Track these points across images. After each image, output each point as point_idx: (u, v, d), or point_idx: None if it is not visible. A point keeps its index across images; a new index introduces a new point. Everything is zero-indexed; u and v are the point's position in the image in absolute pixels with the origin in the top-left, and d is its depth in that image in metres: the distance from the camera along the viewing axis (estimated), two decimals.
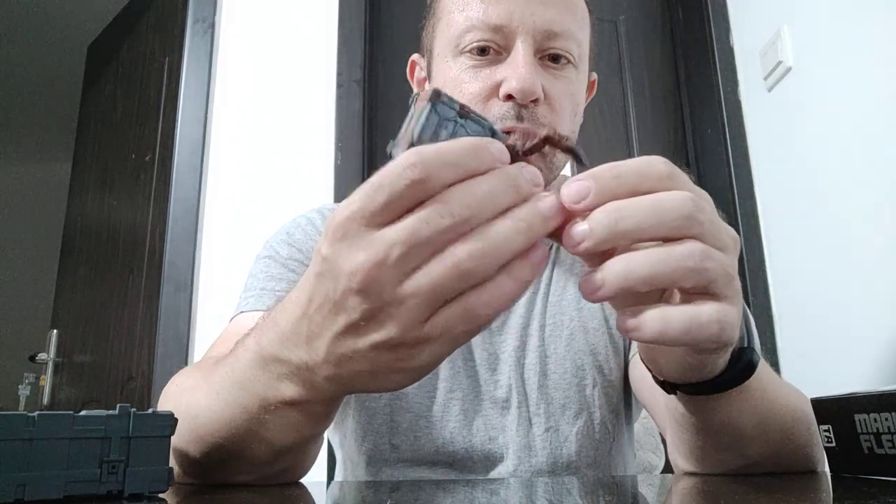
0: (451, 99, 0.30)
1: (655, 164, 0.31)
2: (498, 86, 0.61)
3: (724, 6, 1.78)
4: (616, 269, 0.30)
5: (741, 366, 0.40)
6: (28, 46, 3.33)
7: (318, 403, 0.36)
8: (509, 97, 0.60)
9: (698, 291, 0.31)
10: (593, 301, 0.31)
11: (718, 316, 0.31)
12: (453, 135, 0.30)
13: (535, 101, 0.60)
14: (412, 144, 0.30)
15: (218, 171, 1.62)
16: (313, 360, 0.33)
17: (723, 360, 0.38)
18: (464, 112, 0.31)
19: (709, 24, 1.78)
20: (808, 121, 1.42)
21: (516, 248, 0.29)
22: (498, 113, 0.60)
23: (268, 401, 0.37)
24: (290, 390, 0.36)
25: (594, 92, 0.75)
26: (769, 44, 1.55)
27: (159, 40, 1.91)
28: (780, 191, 1.55)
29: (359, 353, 0.31)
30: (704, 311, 0.31)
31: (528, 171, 0.29)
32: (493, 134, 0.31)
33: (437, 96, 0.30)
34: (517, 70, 0.60)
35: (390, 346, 0.30)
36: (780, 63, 1.49)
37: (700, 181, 1.77)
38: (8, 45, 3.29)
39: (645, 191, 0.30)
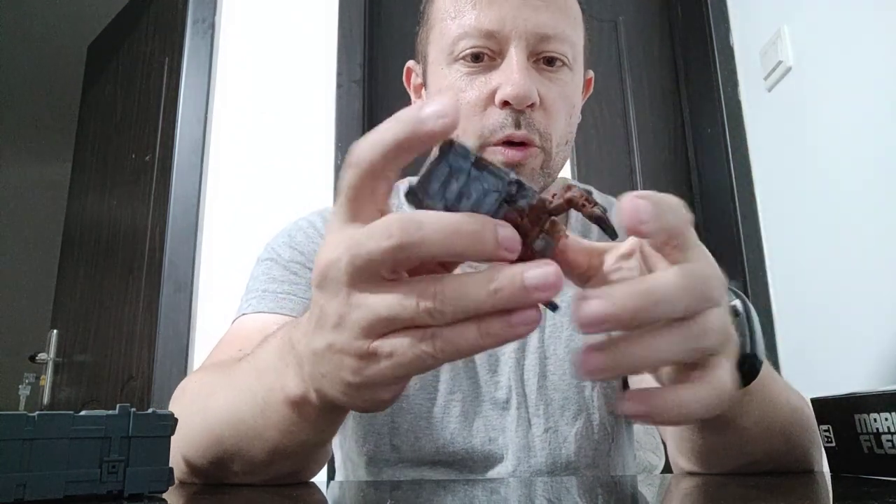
0: (465, 149, 0.29)
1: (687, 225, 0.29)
2: (494, 93, 0.62)
3: (724, 6, 1.78)
4: (633, 353, 0.28)
5: (743, 372, 0.40)
6: (28, 46, 3.34)
7: (310, 406, 0.36)
8: (505, 104, 0.61)
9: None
10: (588, 377, 0.29)
11: (732, 378, 0.30)
12: (465, 187, 0.28)
13: (531, 106, 0.61)
14: (421, 193, 0.28)
15: (218, 171, 1.62)
16: (304, 351, 0.34)
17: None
18: (480, 164, 0.29)
19: (709, 24, 1.78)
20: (808, 121, 1.42)
21: (480, 308, 0.27)
22: (497, 121, 0.61)
23: (273, 392, 0.38)
24: (291, 381, 0.36)
25: (591, 89, 0.75)
26: (769, 44, 1.55)
27: (159, 40, 1.91)
28: (779, 190, 1.55)
29: (321, 351, 0.31)
30: (722, 381, 0.29)
31: (503, 231, 0.27)
32: (519, 186, 0.29)
33: (448, 146, 0.28)
34: (511, 76, 0.60)
35: (339, 351, 0.30)
36: (780, 63, 1.49)
37: (700, 181, 1.78)
38: (8, 45, 3.29)
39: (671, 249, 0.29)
